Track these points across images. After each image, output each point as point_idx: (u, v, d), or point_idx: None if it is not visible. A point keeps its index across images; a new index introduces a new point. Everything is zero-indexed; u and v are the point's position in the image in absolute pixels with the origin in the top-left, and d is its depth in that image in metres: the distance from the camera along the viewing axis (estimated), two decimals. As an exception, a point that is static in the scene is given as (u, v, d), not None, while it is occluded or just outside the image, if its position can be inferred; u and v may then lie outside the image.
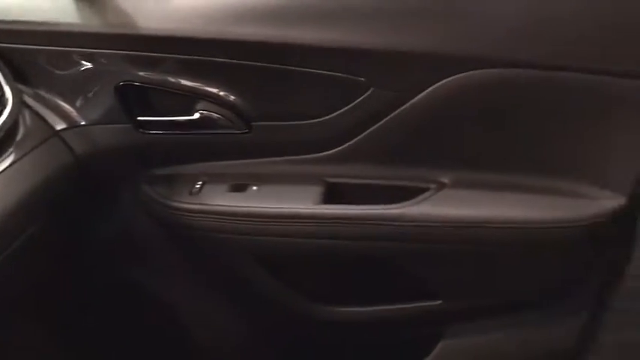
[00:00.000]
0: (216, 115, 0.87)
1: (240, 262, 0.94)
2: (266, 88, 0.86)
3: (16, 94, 0.85)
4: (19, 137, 0.84)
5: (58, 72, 0.90)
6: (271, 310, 0.99)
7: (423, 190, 0.86)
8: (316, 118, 0.86)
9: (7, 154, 0.81)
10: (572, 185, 0.83)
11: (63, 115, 0.90)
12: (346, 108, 0.84)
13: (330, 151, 0.88)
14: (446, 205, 0.84)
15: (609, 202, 0.82)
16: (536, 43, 0.76)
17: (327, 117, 0.85)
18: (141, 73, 0.87)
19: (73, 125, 0.90)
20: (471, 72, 0.77)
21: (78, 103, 0.91)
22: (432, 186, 0.86)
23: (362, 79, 0.81)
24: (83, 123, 0.91)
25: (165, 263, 1.02)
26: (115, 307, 1.06)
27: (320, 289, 0.97)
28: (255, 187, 0.90)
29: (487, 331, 0.95)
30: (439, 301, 0.92)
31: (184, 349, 1.08)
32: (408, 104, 0.81)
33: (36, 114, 0.89)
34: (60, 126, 0.90)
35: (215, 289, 1.02)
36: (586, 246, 0.84)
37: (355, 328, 0.98)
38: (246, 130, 0.88)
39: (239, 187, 0.90)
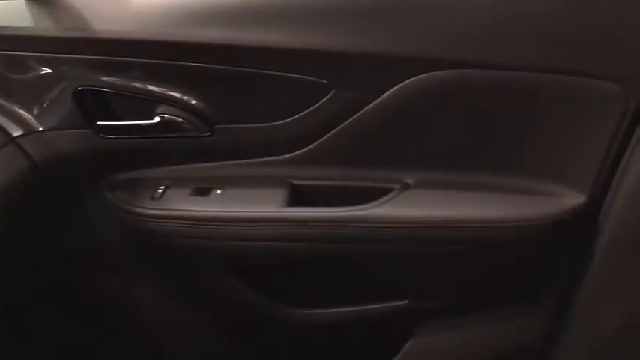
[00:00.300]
0: (178, 118, 0.86)
1: (205, 267, 0.93)
2: (228, 90, 0.85)
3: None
4: None
5: (13, 77, 0.88)
6: (239, 313, 0.99)
7: (387, 191, 0.86)
8: (279, 121, 0.85)
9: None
10: (534, 184, 0.84)
11: (19, 121, 0.88)
12: (309, 110, 0.83)
13: (294, 154, 0.88)
14: (410, 205, 0.84)
15: (570, 200, 0.83)
16: (494, 43, 0.76)
17: (290, 119, 0.85)
18: (100, 78, 0.85)
19: (30, 132, 0.88)
20: (432, 73, 0.77)
21: (35, 109, 0.89)
22: (397, 187, 0.87)
23: (324, 81, 0.81)
24: (41, 129, 0.89)
25: (129, 269, 1.00)
26: (80, 315, 1.04)
27: (287, 291, 0.96)
28: (218, 191, 0.89)
29: (454, 330, 0.96)
30: (406, 301, 0.93)
31: (152, 355, 1.07)
32: (370, 105, 0.81)
33: (-9, 120, 0.87)
34: (16, 132, 0.88)
35: (181, 294, 1.01)
36: (548, 244, 0.85)
37: (323, 329, 0.98)
38: (209, 134, 0.87)
39: (202, 191, 0.89)
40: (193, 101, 0.86)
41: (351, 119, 0.83)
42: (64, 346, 1.06)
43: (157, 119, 0.86)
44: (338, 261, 0.90)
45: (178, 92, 0.86)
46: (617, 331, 0.88)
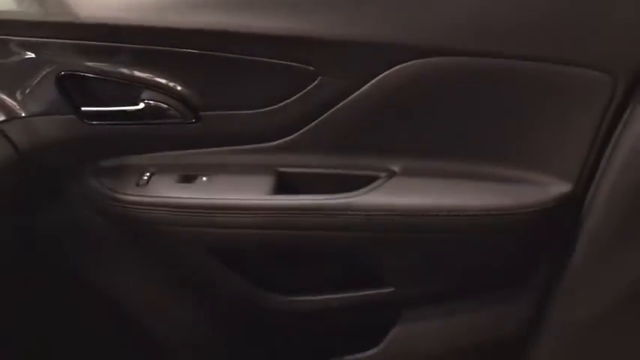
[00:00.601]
0: (163, 105, 0.85)
1: (191, 254, 0.93)
2: (214, 77, 0.85)
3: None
4: None
5: None
6: (225, 300, 0.99)
7: (373, 179, 0.86)
8: (266, 107, 0.85)
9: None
10: (519, 172, 0.84)
11: (2, 107, 0.87)
12: (295, 97, 0.83)
13: (280, 141, 0.87)
14: (396, 193, 0.84)
15: (556, 188, 0.83)
16: (482, 31, 0.76)
17: (276, 106, 0.84)
18: (84, 63, 0.84)
19: (12, 117, 0.87)
20: (419, 60, 0.77)
21: (18, 94, 0.88)
22: (382, 175, 0.87)
23: (311, 67, 0.81)
24: (24, 114, 0.88)
25: (115, 257, 0.99)
26: (63, 303, 1.04)
27: (272, 278, 0.96)
28: (204, 178, 0.88)
29: (439, 317, 0.97)
30: (391, 289, 0.93)
31: (135, 342, 1.07)
32: (357, 93, 0.81)
33: (-27, 106, 0.86)
34: None
35: (167, 281, 1.01)
36: (533, 232, 0.86)
37: (308, 316, 0.98)
38: (194, 120, 0.86)
39: (188, 178, 0.89)
40: (179, 87, 0.85)
41: (337, 106, 0.82)
42: (45, 332, 1.06)
43: (141, 105, 0.85)
44: (324, 248, 0.90)
45: (164, 78, 0.85)
46: (597, 320, 0.89)
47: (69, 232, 0.98)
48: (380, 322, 0.99)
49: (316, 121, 0.84)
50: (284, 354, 1.05)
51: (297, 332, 1.02)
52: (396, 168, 0.87)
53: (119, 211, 0.89)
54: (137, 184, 0.89)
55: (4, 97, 0.87)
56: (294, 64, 0.81)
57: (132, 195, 0.88)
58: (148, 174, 0.89)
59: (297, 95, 0.83)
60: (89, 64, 0.84)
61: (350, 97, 0.82)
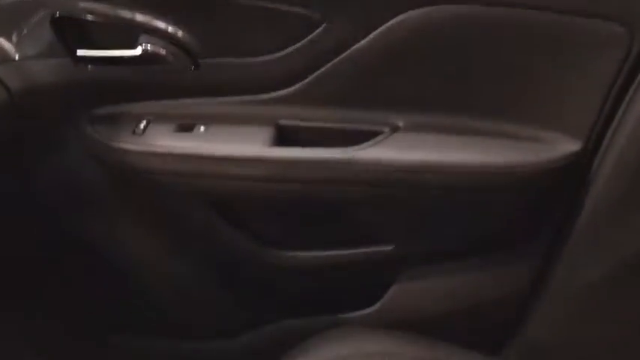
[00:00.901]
0: (161, 50, 0.83)
1: (187, 205, 0.91)
2: (215, 22, 0.81)
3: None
4: None
5: None
6: (221, 254, 0.97)
7: (376, 134, 0.84)
8: (267, 56, 0.82)
9: None
10: (527, 129, 0.82)
11: None
12: (298, 45, 0.80)
13: (282, 92, 0.84)
14: (399, 148, 0.82)
15: (564, 146, 0.81)
16: None
17: (278, 54, 0.82)
18: (80, 5, 0.81)
19: (6, 60, 0.85)
20: (427, 8, 0.74)
21: (12, 36, 0.85)
22: (386, 129, 0.84)
23: (316, 14, 0.78)
24: (18, 57, 0.85)
25: (110, 207, 0.98)
26: (61, 258, 1.02)
27: (271, 233, 0.94)
28: (202, 128, 0.86)
29: (439, 277, 0.95)
30: (391, 247, 0.91)
31: (132, 296, 1.06)
32: (361, 43, 0.78)
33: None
34: None
35: (164, 235, 0.99)
36: (539, 191, 0.84)
37: (307, 273, 0.97)
38: (193, 67, 0.83)
39: (185, 127, 0.86)
40: (178, 33, 0.82)
41: (341, 56, 0.80)
42: (40, 287, 1.05)
43: (139, 50, 0.82)
44: (324, 203, 0.88)
45: (163, 23, 0.82)
46: (600, 283, 0.88)
47: (64, 182, 0.96)
48: (379, 280, 0.97)
49: (319, 72, 0.82)
50: (282, 310, 1.03)
51: (296, 288, 1.00)
52: (400, 123, 0.84)
53: (115, 160, 0.87)
54: (133, 133, 0.86)
55: None
56: (298, 10, 0.78)
57: (128, 143, 0.86)
58: (144, 122, 0.87)
59: (301, 43, 0.80)
60: (85, 5, 0.81)
61: (354, 47, 0.79)
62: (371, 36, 0.77)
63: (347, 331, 0.88)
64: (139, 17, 0.82)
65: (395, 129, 0.84)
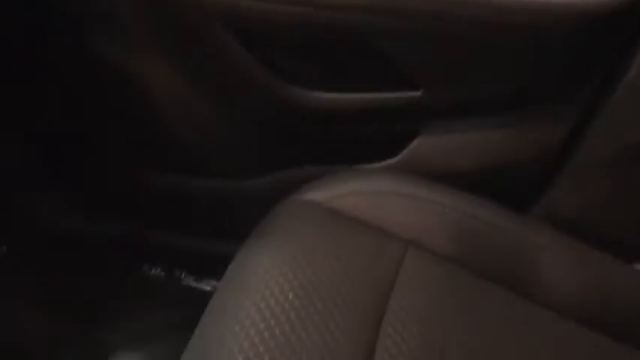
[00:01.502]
0: None
1: (209, 31, 0.86)
2: None
3: None
4: None
5: None
6: (243, 89, 0.94)
7: None
8: None
9: None
10: None
11: None
12: None
13: None
14: None
15: None
16: None
17: None
18: None
19: None
20: None
21: None
22: None
23: None
24: None
25: (129, 33, 0.94)
26: (77, 82, 1.01)
27: (297, 69, 0.90)
28: None
29: (465, 131, 0.91)
30: (420, 92, 0.87)
31: (149, 129, 1.04)
32: None
33: None
34: None
35: (184, 65, 0.95)
36: (587, 36, 0.77)
37: (332, 115, 0.93)
38: None
39: None
40: None
41: None
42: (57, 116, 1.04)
43: None
44: (350, 37, 0.82)
45: None
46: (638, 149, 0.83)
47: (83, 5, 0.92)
48: (405, 130, 0.93)
49: None
50: (303, 155, 1.01)
51: (318, 132, 0.97)
52: None
53: None
54: None
55: None
56: None
57: None
58: None
59: None
60: None
61: None
62: None
63: (366, 171, 0.86)
64: None
65: None
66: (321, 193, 0.77)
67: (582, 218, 0.90)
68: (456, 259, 0.72)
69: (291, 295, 0.62)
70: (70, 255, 1.20)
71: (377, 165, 0.96)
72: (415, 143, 0.93)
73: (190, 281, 1.21)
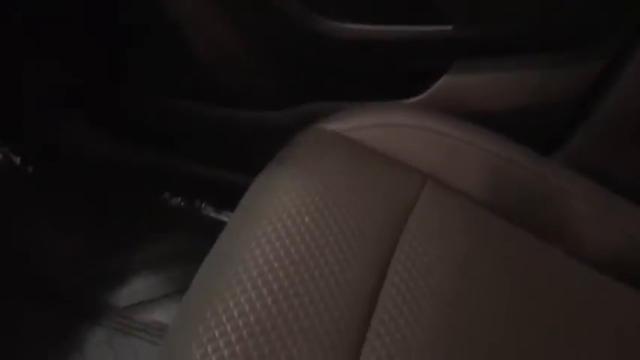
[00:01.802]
0: None
1: None
2: None
3: None
4: None
5: None
6: (272, 20, 0.93)
7: None
8: None
9: None
10: None
11: None
12: None
13: None
14: None
15: None
16: None
17: None
18: None
19: None
20: None
21: None
22: None
23: None
24: None
25: None
26: (106, 11, 1.00)
27: (327, 0, 0.89)
28: None
29: (493, 70, 0.89)
30: (449, 27, 0.85)
31: (175, 56, 1.04)
32: None
33: None
34: None
35: None
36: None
37: (361, 47, 0.92)
38: None
39: None
40: None
41: None
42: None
43: None
44: None
45: None
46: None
47: None
48: (432, 67, 0.92)
49: None
50: (325, 91, 1.00)
51: (345, 64, 0.96)
52: None
53: None
54: None
55: None
56: None
57: None
58: None
59: None
60: None
61: None
62: None
63: (389, 105, 0.85)
64: None
65: None
66: (342, 124, 0.77)
67: (604, 167, 0.88)
68: (476, 196, 0.72)
69: (307, 218, 0.62)
70: (93, 179, 1.22)
71: (403, 102, 0.96)
72: (441, 81, 0.92)
73: (210, 212, 1.22)
